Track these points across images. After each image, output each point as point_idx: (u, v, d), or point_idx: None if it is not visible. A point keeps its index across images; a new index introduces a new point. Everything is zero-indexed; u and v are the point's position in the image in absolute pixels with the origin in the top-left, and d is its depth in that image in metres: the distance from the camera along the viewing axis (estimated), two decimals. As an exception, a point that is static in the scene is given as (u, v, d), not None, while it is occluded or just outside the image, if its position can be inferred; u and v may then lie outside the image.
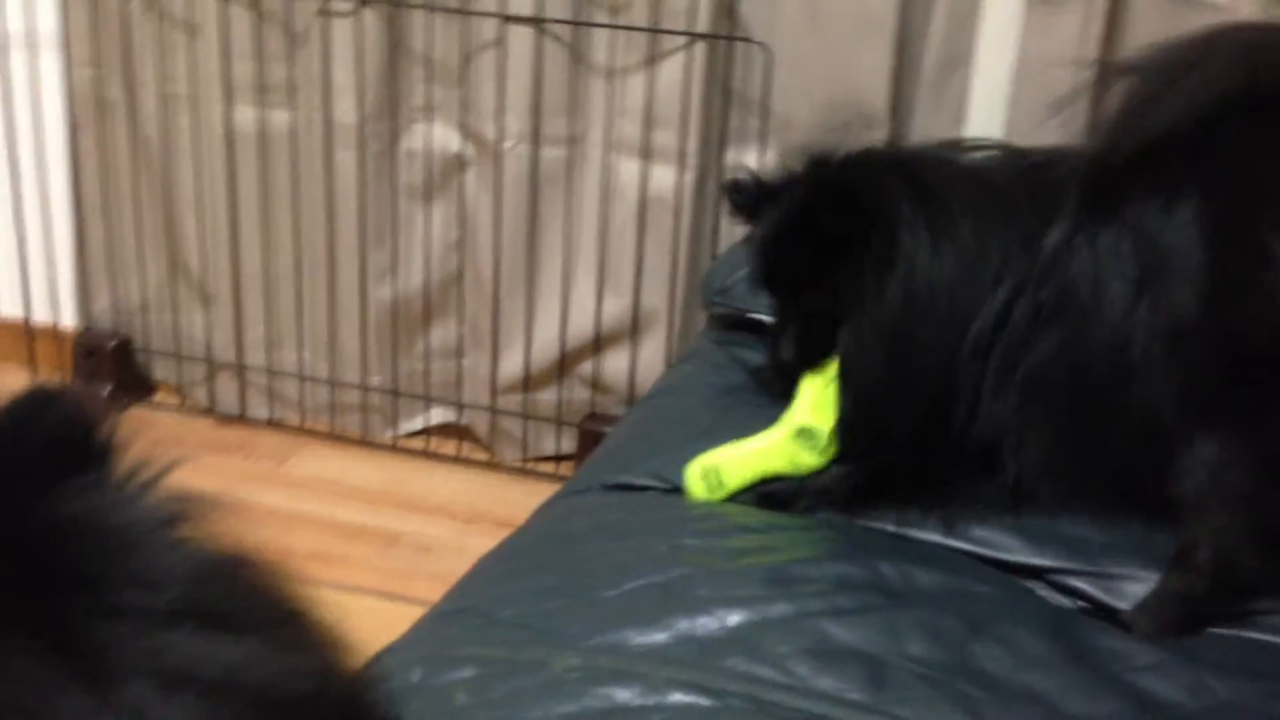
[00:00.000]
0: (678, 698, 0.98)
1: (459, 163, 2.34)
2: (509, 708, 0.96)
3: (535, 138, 2.22)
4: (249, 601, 0.53)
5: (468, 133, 2.31)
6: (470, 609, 1.15)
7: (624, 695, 0.98)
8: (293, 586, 0.57)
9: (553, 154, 2.25)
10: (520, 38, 2.17)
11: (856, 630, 1.07)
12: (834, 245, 1.29)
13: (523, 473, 2.49)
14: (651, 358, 2.35)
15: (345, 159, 2.34)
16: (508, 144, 2.23)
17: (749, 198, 1.44)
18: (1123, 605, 1.18)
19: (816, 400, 1.32)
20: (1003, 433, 1.24)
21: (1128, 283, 1.17)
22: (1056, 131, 1.38)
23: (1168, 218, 1.15)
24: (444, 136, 2.32)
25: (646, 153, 2.20)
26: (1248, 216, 1.13)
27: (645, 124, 2.18)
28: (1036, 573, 1.21)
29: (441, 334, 2.52)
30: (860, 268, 1.27)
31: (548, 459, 2.51)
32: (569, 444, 2.48)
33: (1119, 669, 1.06)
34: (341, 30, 2.27)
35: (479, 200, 2.33)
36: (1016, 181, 1.29)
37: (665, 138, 2.17)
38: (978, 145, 1.41)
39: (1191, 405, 1.14)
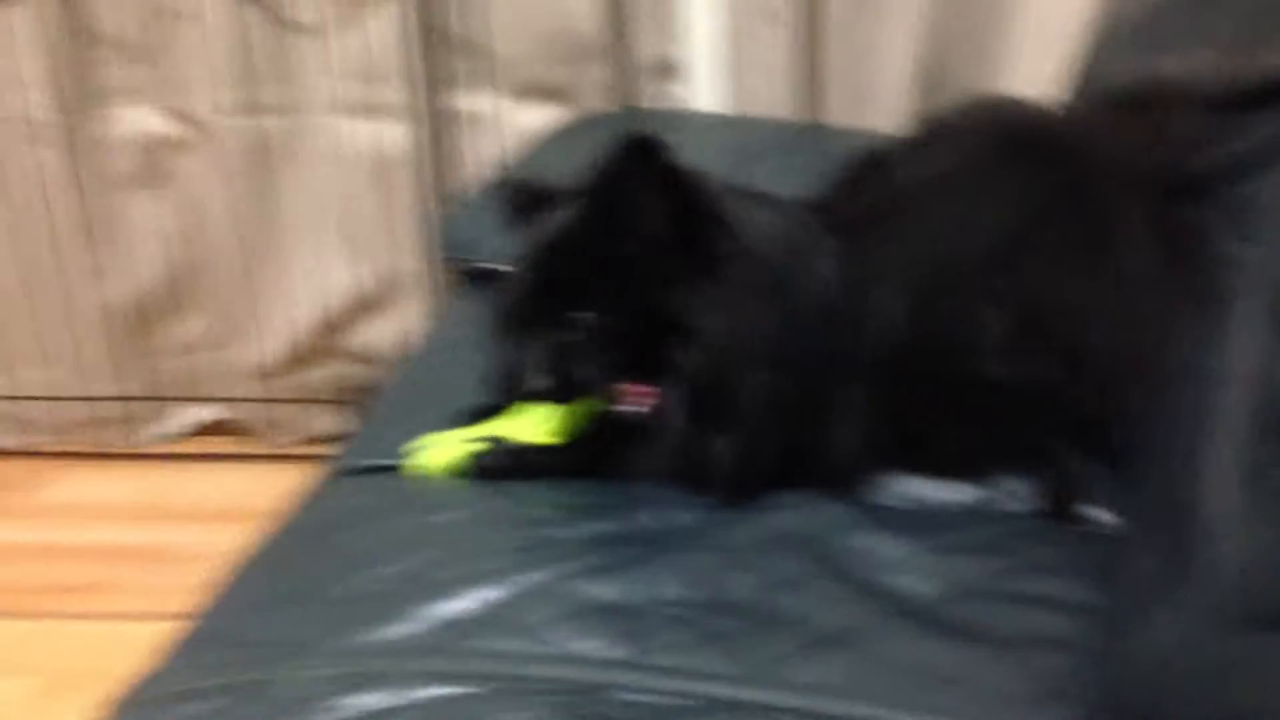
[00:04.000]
0: (429, 692, 0.93)
1: (176, 145, 2.19)
2: (250, 739, 0.90)
3: (250, 109, 2.10)
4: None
5: (179, 113, 2.16)
6: (208, 632, 1.08)
7: (372, 700, 0.93)
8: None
9: (273, 124, 2.13)
10: (215, 5, 2.03)
11: (614, 585, 1.05)
12: (654, 248, 1.12)
13: (303, 459, 2.38)
14: (415, 323, 2.28)
15: (49, 157, 2.17)
16: (222, 119, 2.10)
17: (522, 199, 1.24)
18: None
19: (548, 420, 1.23)
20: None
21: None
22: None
23: None
24: (154, 120, 2.17)
25: (373, 110, 2.10)
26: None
27: (365, 81, 2.08)
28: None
29: (194, 328, 2.38)
30: (698, 270, 1.13)
31: (325, 440, 2.42)
32: (346, 422, 2.39)
33: (870, 571, 1.07)
34: (20, 18, 2.09)
35: (205, 182, 2.20)
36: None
37: (389, 93, 2.08)
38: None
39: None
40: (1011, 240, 1.13)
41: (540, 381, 1.14)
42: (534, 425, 1.24)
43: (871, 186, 1.23)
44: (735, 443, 1.16)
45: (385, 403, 1.51)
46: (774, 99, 1.99)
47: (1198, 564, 0.87)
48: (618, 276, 1.12)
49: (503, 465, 1.22)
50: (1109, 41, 1.49)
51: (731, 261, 1.13)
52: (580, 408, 1.21)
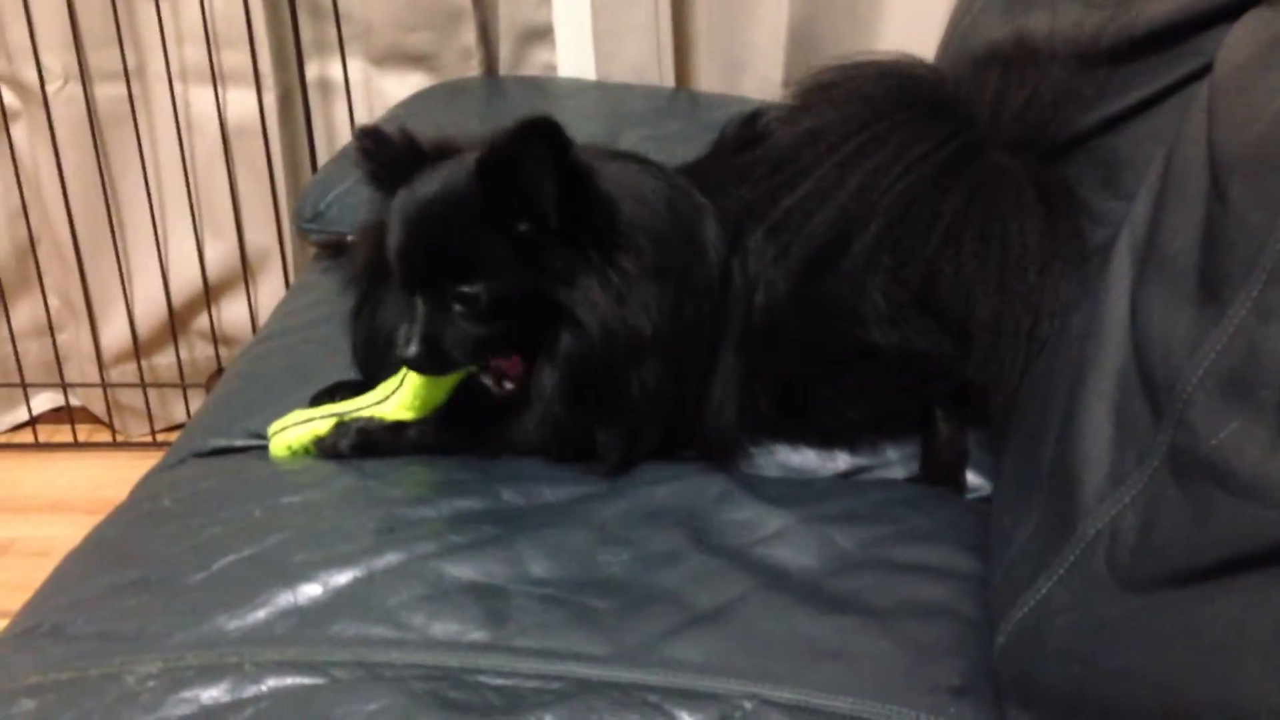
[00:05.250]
0: (277, 683, 0.86)
1: (2, 116, 2.04)
2: (69, 742, 0.82)
3: (84, 75, 1.96)
4: None
5: (4, 79, 2.01)
6: (36, 627, 0.98)
7: (212, 694, 0.85)
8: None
9: (110, 91, 2.00)
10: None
11: (475, 564, 0.99)
12: (545, 231, 1.06)
13: (155, 446, 2.26)
14: (272, 299, 2.17)
15: None
16: (53, 86, 1.97)
17: (391, 159, 1.13)
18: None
19: (415, 399, 1.16)
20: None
21: None
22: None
23: None
24: (-19, 87, 2.02)
25: (218, 77, 1.99)
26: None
27: (210, 45, 1.96)
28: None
29: (28, 311, 2.24)
30: (587, 257, 1.06)
31: (180, 427, 2.30)
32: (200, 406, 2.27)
33: (748, 543, 1.03)
34: None
35: (36, 154, 2.06)
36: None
37: (235, 58, 1.97)
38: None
39: None
40: (899, 205, 1.10)
41: (412, 350, 1.07)
42: (395, 401, 1.17)
43: (752, 150, 1.18)
44: (620, 431, 1.11)
45: (237, 383, 1.42)
46: (642, 65, 1.94)
47: (1076, 528, 0.84)
48: (505, 253, 1.06)
49: (360, 443, 1.15)
50: (977, 1, 1.48)
51: (621, 248, 1.07)
52: (444, 381, 1.15)
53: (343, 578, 0.97)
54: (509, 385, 1.13)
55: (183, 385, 2.26)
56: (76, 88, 1.98)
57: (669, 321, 1.08)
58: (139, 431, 2.30)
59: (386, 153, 1.13)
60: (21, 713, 0.86)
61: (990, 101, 1.17)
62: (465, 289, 1.06)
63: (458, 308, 1.07)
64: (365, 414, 1.18)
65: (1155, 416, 0.81)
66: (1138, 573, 0.76)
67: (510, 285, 1.07)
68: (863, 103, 1.15)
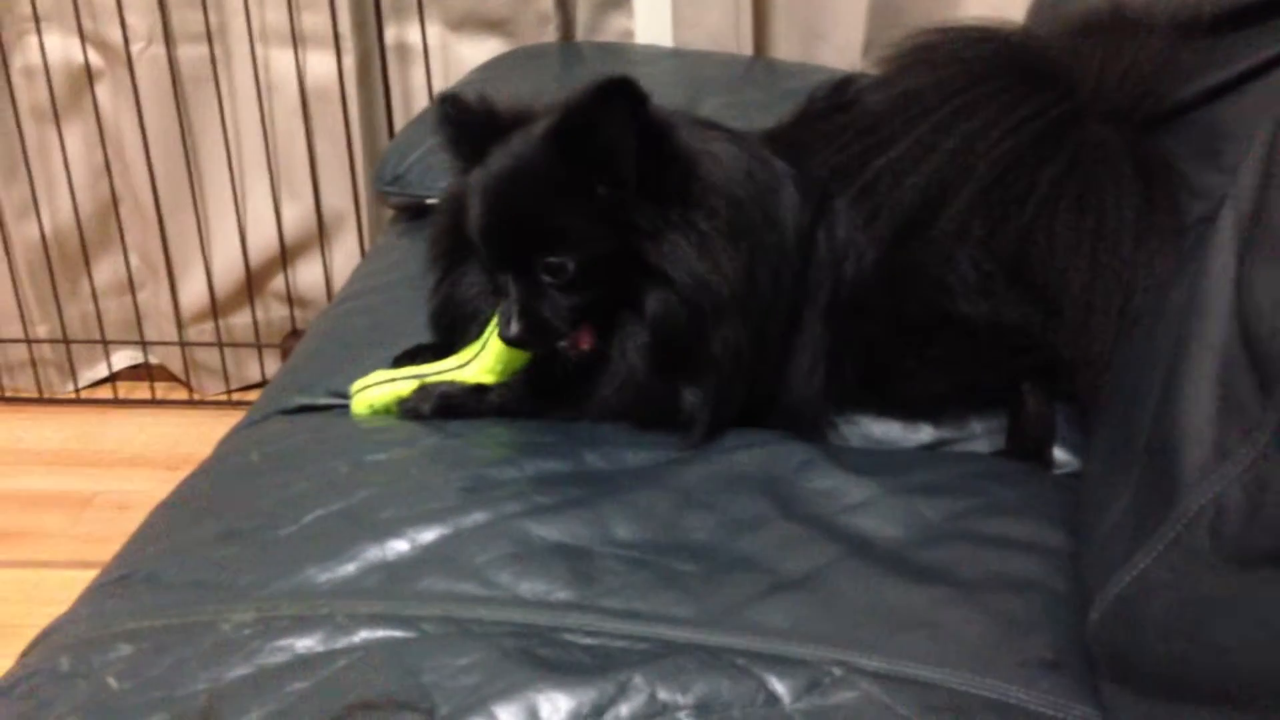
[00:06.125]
0: (367, 635, 0.87)
1: (88, 75, 2.07)
2: (168, 685, 0.83)
3: (167, 36, 1.99)
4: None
5: (90, 39, 2.04)
6: (131, 575, 1.00)
7: (306, 644, 0.87)
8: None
9: (192, 52, 2.03)
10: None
11: (560, 525, 0.99)
12: (627, 192, 1.04)
13: (229, 405, 2.30)
14: (347, 261, 2.19)
15: (-49, 86, 2.04)
16: (137, 47, 1.99)
17: (470, 126, 1.12)
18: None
19: (497, 364, 1.17)
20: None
21: None
22: None
23: None
24: (64, 46, 2.05)
25: (298, 40, 2.00)
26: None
27: (290, 8, 1.98)
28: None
29: (109, 269, 2.27)
30: (670, 216, 1.06)
31: (254, 386, 2.33)
32: (275, 367, 2.30)
33: (832, 512, 1.03)
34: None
35: (119, 114, 2.09)
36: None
37: (315, 21, 1.98)
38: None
39: None
40: (994, 172, 1.08)
41: (514, 330, 1.06)
42: (476, 366, 1.18)
43: (840, 116, 1.17)
44: (706, 392, 1.10)
45: (320, 342, 1.43)
46: (720, 32, 1.92)
47: (1177, 504, 0.83)
48: (588, 219, 1.05)
49: (443, 406, 1.16)
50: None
51: (697, 208, 1.06)
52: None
53: (430, 534, 0.98)
54: (584, 347, 1.12)
55: (258, 345, 2.29)
56: (160, 48, 2.01)
57: (743, 285, 1.07)
58: (214, 390, 2.34)
59: (466, 119, 1.13)
60: (120, 658, 0.88)
61: (1090, 71, 1.14)
62: (554, 260, 1.06)
63: (548, 279, 1.07)
64: (446, 378, 1.19)
65: (1262, 392, 0.79)
66: (1245, 549, 0.74)
67: (596, 250, 1.06)
68: (962, 66, 1.13)
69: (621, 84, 1.01)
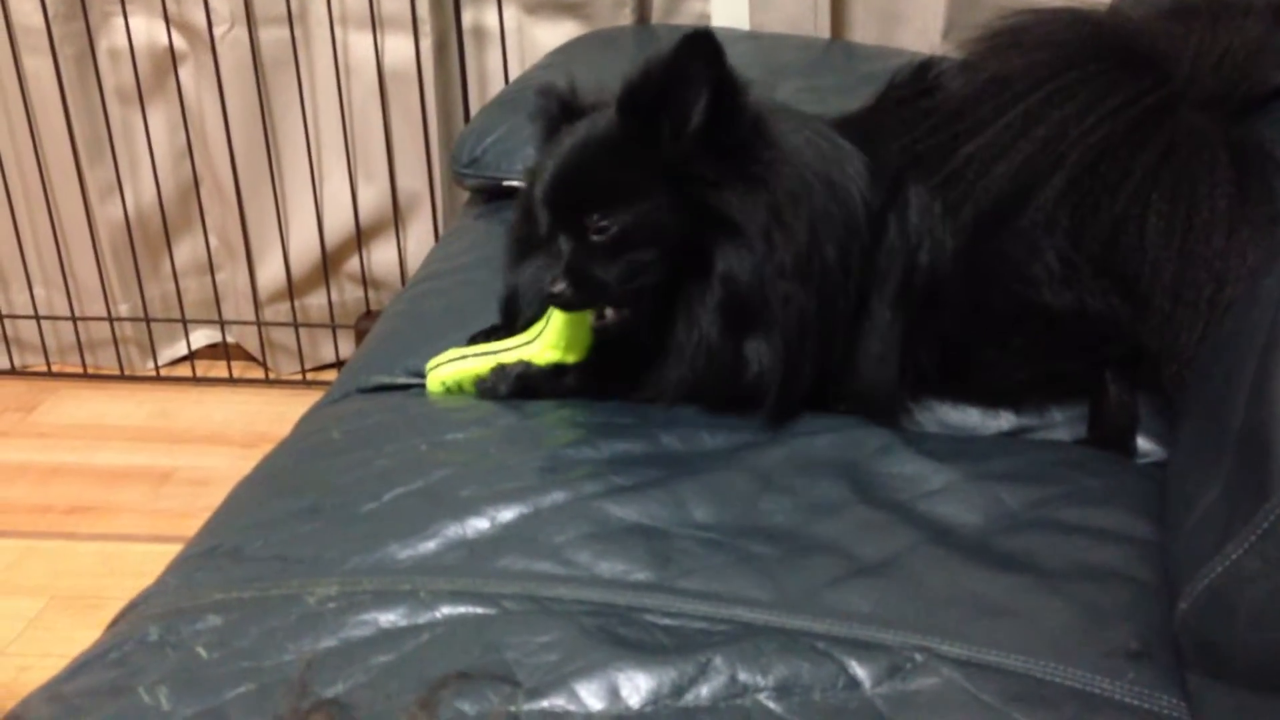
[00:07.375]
0: (449, 611, 0.88)
1: (171, 57, 2.11)
2: (257, 655, 0.85)
3: (249, 19, 2.01)
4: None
5: (174, 22, 2.08)
6: (217, 548, 1.02)
7: (389, 618, 0.88)
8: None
9: (273, 35, 2.05)
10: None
11: (638, 506, 1.00)
12: (699, 147, 1.06)
13: (304, 385, 2.34)
14: (421, 244, 2.21)
15: (38, 66, 2.09)
16: (219, 29, 2.02)
17: (563, 119, 1.16)
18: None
19: (559, 338, 1.18)
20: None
21: None
22: None
23: None
24: (148, 29, 2.09)
25: (377, 23, 2.02)
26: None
27: (371, -9, 2.00)
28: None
29: (189, 249, 2.32)
30: (740, 173, 1.07)
31: (328, 366, 2.37)
32: (349, 347, 2.33)
33: (911, 497, 1.02)
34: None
35: (201, 96, 2.12)
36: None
37: (394, 4, 2.00)
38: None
39: None
40: (1087, 161, 1.06)
41: (558, 288, 1.08)
42: (541, 343, 1.19)
43: (921, 102, 1.16)
44: (775, 351, 1.10)
45: (397, 322, 1.45)
46: (796, 16, 1.91)
47: (1271, 494, 0.81)
48: (648, 172, 1.07)
49: (519, 388, 1.17)
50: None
51: (768, 164, 1.07)
52: (585, 318, 1.15)
53: (509, 513, 0.99)
54: (610, 314, 1.12)
55: (332, 326, 2.32)
56: (242, 31, 2.04)
57: (806, 248, 1.07)
58: (289, 369, 2.37)
59: (562, 113, 1.16)
60: (209, 628, 0.90)
61: (1185, 56, 1.11)
62: (602, 219, 1.07)
63: (596, 238, 1.08)
64: (514, 355, 1.19)
65: (1361, 381, 0.77)
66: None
67: (652, 209, 1.08)
68: (1053, 50, 1.10)
69: (704, 33, 1.04)
